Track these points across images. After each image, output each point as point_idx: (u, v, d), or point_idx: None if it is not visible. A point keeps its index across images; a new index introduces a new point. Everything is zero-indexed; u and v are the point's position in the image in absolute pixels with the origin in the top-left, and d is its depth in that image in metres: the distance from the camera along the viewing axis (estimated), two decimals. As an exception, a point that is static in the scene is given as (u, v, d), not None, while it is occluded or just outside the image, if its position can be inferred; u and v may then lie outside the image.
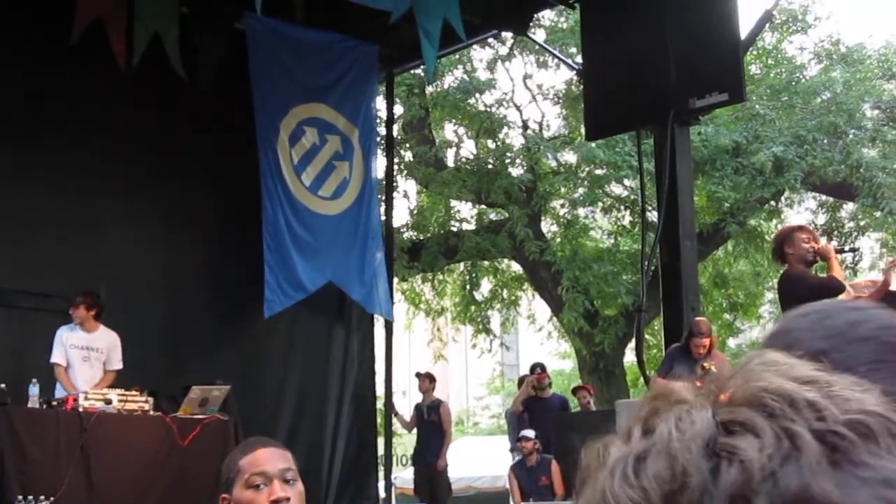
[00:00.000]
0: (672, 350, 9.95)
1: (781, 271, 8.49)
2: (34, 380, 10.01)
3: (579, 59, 14.30)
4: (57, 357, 10.36)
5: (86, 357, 10.45)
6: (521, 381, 15.33)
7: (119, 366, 10.67)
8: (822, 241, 8.98)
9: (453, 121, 20.57)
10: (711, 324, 10.72)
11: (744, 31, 12.04)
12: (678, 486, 0.65)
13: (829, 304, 1.37)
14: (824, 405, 0.67)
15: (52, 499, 8.95)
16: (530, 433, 13.55)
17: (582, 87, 13.78)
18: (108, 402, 10.11)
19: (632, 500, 0.67)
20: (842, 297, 7.69)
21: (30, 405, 9.76)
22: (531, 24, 14.90)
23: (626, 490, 0.67)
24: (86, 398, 9.98)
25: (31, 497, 8.92)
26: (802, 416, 0.66)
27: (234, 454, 3.17)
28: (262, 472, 3.08)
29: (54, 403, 9.93)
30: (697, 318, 9.98)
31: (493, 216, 20.35)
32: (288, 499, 3.09)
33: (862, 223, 21.26)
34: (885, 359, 1.17)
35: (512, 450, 14.92)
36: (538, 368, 14.67)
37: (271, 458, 3.13)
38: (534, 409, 14.10)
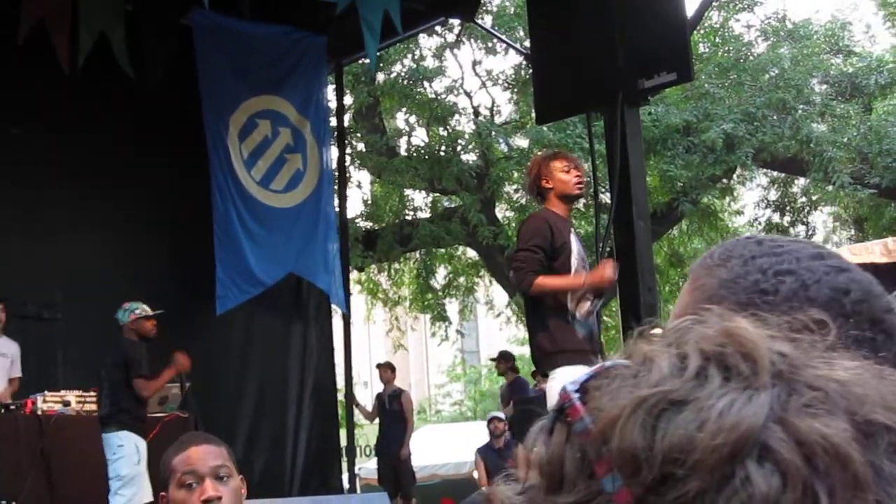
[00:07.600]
0: None
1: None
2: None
3: (527, 43, 14.30)
4: None
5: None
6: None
7: (20, 374, 10.51)
8: None
9: (404, 109, 20.51)
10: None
11: (690, 10, 12.08)
12: None
13: None
14: None
15: (13, 503, 8.90)
16: (502, 414, 13.56)
17: (531, 71, 13.79)
18: (67, 403, 10.06)
19: None
20: None
21: (-13, 410, 9.72)
22: (478, 9, 14.85)
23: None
24: (44, 401, 9.93)
25: (-8, 502, 8.88)
26: None
27: (168, 452, 3.13)
28: (192, 471, 3.04)
29: (12, 408, 9.87)
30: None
31: (446, 203, 20.32)
32: (220, 497, 3.04)
33: (814, 198, 21.45)
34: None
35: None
36: (501, 358, 14.82)
37: (203, 456, 3.08)
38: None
